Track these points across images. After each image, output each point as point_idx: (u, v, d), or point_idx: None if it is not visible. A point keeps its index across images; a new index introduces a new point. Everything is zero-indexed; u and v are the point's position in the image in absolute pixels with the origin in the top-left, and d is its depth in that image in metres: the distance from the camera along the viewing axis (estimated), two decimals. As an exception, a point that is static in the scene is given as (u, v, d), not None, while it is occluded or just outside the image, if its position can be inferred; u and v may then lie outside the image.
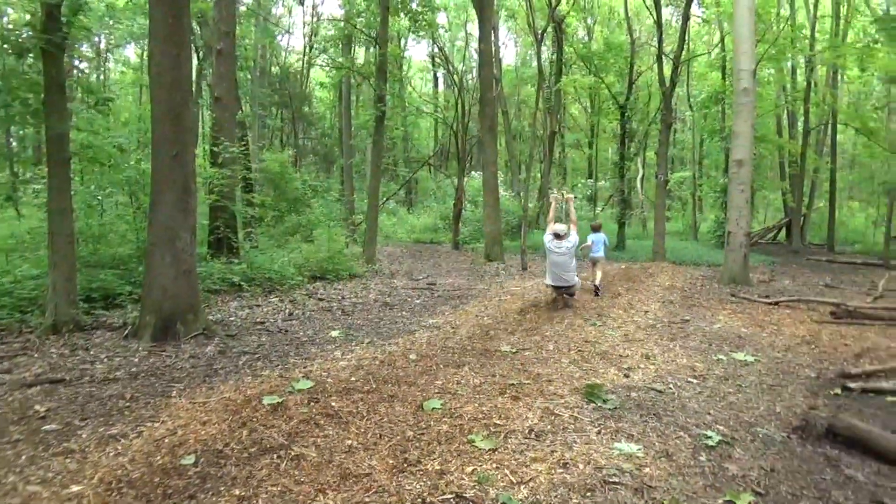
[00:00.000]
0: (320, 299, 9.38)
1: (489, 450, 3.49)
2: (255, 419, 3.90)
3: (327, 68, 27.13)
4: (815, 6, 22.19)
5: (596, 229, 11.02)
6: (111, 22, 19.97)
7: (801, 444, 3.86)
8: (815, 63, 22.12)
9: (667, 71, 18.19)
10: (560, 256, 8.41)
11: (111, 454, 3.42)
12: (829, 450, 3.76)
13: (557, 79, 21.79)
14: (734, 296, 10.27)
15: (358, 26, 19.24)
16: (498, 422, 3.93)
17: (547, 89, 21.72)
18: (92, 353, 5.74)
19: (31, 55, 6.81)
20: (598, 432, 3.82)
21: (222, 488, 3.01)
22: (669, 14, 26.91)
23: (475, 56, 24.75)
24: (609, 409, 4.25)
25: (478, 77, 20.13)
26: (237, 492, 2.97)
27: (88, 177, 9.67)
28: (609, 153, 33.96)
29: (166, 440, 3.58)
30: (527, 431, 3.78)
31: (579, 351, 6.06)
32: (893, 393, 4.96)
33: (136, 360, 5.53)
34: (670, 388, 4.86)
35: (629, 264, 15.92)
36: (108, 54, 27.74)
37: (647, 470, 3.30)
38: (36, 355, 5.60)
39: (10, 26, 7.31)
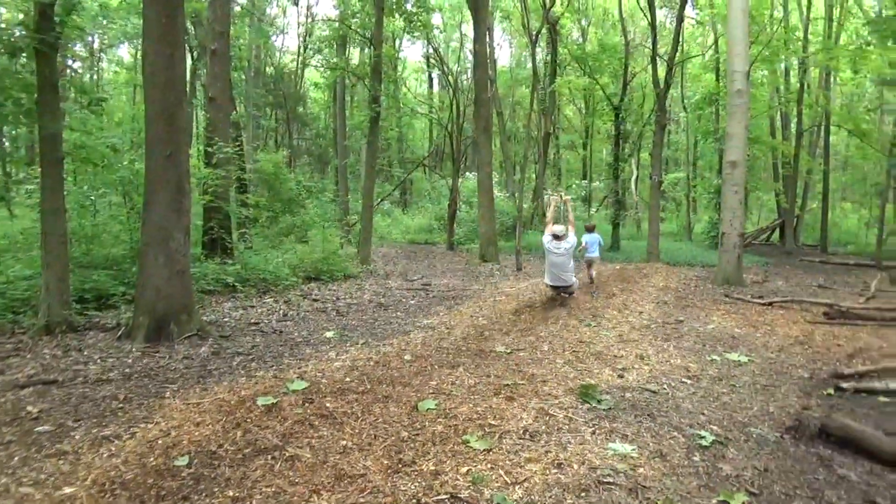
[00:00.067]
0: (315, 300, 9.36)
1: (484, 450, 3.49)
2: (249, 420, 3.89)
3: (322, 69, 27.13)
4: (808, 8, 22.30)
5: (590, 230, 11.06)
6: (105, 21, 19.86)
7: (795, 443, 3.88)
8: (809, 65, 22.26)
9: (661, 72, 18.24)
10: (559, 257, 8.56)
11: (104, 455, 3.40)
12: (822, 450, 3.78)
13: (552, 80, 21.84)
14: (728, 296, 10.31)
15: (353, 27, 19.22)
16: (493, 422, 3.93)
17: (541, 90, 21.77)
18: (85, 353, 5.71)
19: (24, 55, 6.77)
20: (593, 433, 3.83)
21: (216, 489, 3.00)
22: (664, 16, 26.99)
23: (470, 57, 24.81)
24: (603, 410, 4.26)
25: (472, 78, 20.10)
26: (231, 493, 2.96)
27: (82, 177, 9.62)
28: (603, 154, 34.07)
29: (160, 441, 3.56)
30: (521, 432, 3.79)
31: (574, 351, 6.07)
32: (886, 393, 4.99)
33: (130, 360, 5.51)
34: (664, 389, 4.88)
35: (623, 265, 15.95)
36: (102, 54, 27.60)
37: (641, 470, 3.31)
38: (28, 356, 5.57)
39: (3, 25, 7.26)
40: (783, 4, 22.23)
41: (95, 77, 27.26)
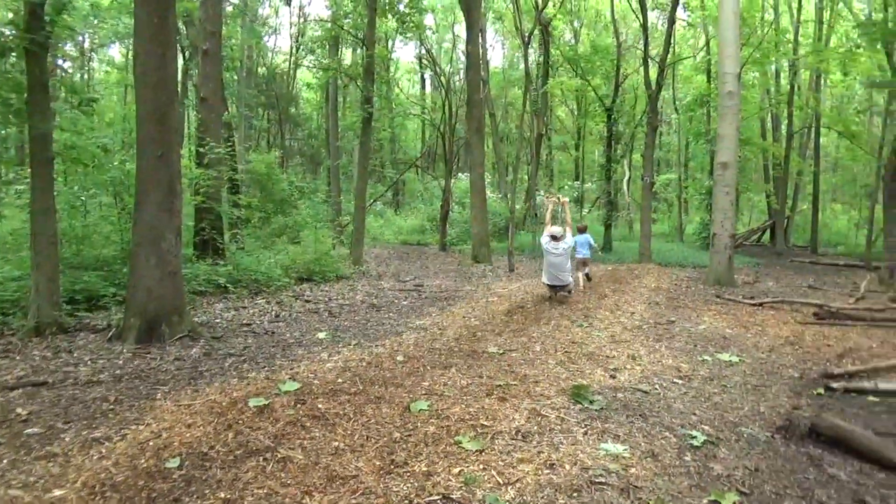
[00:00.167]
0: (307, 301, 9.34)
1: (476, 451, 3.49)
2: (240, 421, 3.87)
3: (314, 69, 27.07)
4: (799, 11, 22.47)
5: (582, 230, 11.17)
6: (96, 21, 19.80)
7: (785, 443, 3.90)
8: (799, 67, 22.42)
9: (653, 74, 18.32)
10: (557, 257, 8.87)
11: (95, 457, 3.38)
12: (812, 449, 3.80)
13: (544, 81, 21.87)
14: (719, 297, 10.37)
15: (345, 27, 19.21)
16: (485, 423, 3.93)
17: (534, 91, 21.80)
18: (75, 355, 5.67)
19: (13, 54, 6.72)
20: (585, 433, 3.84)
21: (207, 491, 2.99)
22: (655, 17, 27.16)
23: (462, 58, 24.77)
24: (595, 410, 4.27)
25: (465, 79, 20.15)
26: (223, 495, 2.95)
27: (72, 177, 9.56)
28: (596, 155, 34.14)
29: (151, 443, 3.54)
30: (514, 432, 3.79)
31: (566, 352, 6.08)
32: (875, 393, 5.02)
33: (121, 362, 5.47)
34: (656, 389, 4.90)
35: (616, 266, 16.01)
36: (93, 54, 27.45)
37: (633, 470, 3.32)
38: (18, 358, 5.52)
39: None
40: (774, 7, 22.38)
41: (86, 77, 27.12)
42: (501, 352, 6.00)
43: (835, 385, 5.19)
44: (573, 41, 28.11)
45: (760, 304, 9.58)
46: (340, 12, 19.26)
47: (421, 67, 34.82)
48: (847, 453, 3.73)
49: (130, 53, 21.39)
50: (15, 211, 10.11)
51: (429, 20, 28.23)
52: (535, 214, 20.80)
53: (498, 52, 41.10)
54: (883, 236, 14.66)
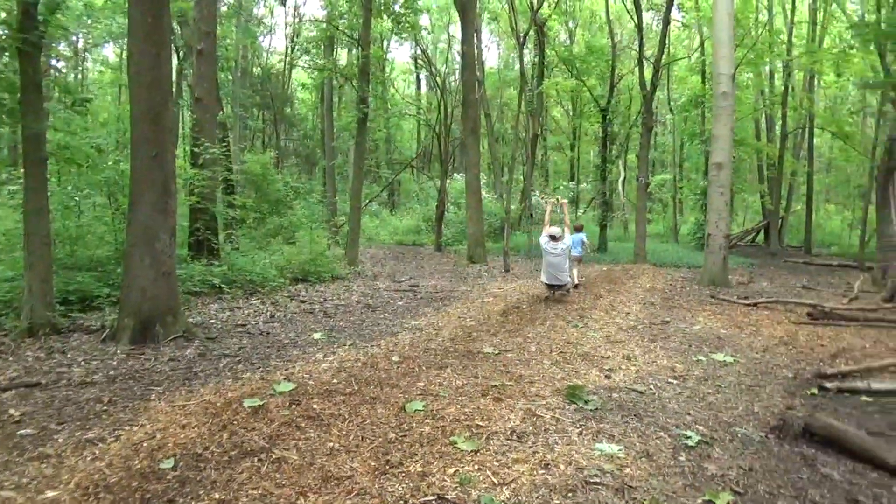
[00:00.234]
0: (302, 301, 9.32)
1: (471, 451, 3.49)
2: (235, 422, 3.86)
3: (309, 69, 27.02)
4: (793, 12, 22.56)
5: (577, 230, 11.21)
6: (89, 21, 19.74)
7: (779, 443, 3.92)
8: (793, 68, 22.51)
9: (647, 74, 18.38)
10: (555, 257, 9.04)
11: (88, 459, 3.36)
12: (805, 449, 3.82)
13: (539, 82, 21.92)
14: (714, 297, 10.40)
15: (340, 28, 19.19)
16: (480, 423, 3.94)
17: (529, 92, 21.83)
18: (69, 356, 5.64)
19: (6, 54, 6.70)
20: (580, 433, 3.84)
21: (202, 492, 2.98)
22: (650, 18, 27.25)
23: (458, 58, 24.85)
24: (590, 410, 4.28)
25: (460, 79, 20.13)
26: (217, 495, 2.94)
27: (66, 177, 9.51)
28: (591, 156, 34.27)
29: (145, 444, 3.53)
30: (509, 433, 3.79)
31: (561, 352, 6.09)
32: (868, 393, 5.05)
33: (115, 363, 5.45)
34: (651, 389, 4.91)
35: (611, 266, 16.04)
36: (87, 53, 27.37)
37: (627, 470, 3.33)
38: (11, 359, 5.49)
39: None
40: (768, 8, 22.45)
41: (80, 77, 27.05)
42: (497, 352, 6.01)
43: (828, 385, 5.21)
44: (568, 42, 28.17)
45: (755, 305, 9.62)
46: (336, 12, 19.24)
47: (416, 68, 34.85)
48: (840, 453, 3.75)
49: (124, 53, 21.35)
50: (8, 211, 10.04)
51: (424, 20, 28.32)
52: (531, 215, 20.81)
53: (493, 52, 41.15)
54: (876, 237, 14.71)
